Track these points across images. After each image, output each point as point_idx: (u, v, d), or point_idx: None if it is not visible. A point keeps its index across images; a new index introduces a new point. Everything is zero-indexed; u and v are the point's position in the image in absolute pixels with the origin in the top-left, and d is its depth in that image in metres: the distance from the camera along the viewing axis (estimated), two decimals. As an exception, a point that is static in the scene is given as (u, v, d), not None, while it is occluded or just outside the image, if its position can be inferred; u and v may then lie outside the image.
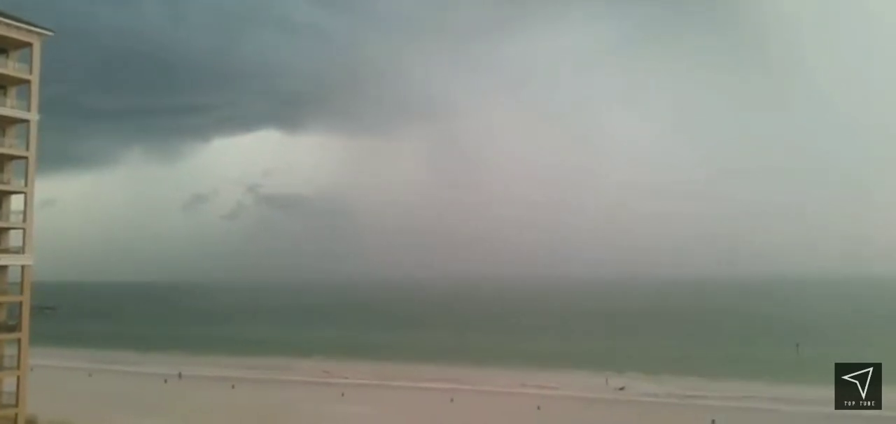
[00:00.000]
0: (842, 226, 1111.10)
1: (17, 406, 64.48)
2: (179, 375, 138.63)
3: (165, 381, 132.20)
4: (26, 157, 64.50)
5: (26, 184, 64.58)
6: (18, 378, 64.64)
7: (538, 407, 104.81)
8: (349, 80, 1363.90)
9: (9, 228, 65.66)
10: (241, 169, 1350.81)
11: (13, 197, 65.59)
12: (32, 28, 63.94)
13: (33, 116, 64.40)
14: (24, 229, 64.59)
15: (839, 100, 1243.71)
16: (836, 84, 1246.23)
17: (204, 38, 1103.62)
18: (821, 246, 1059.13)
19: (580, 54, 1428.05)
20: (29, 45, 64.18)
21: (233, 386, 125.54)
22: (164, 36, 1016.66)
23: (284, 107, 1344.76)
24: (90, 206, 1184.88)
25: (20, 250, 64.88)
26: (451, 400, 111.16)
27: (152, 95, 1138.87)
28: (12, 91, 64.89)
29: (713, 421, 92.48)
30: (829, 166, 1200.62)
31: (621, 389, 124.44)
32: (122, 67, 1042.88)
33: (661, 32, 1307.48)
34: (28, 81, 64.33)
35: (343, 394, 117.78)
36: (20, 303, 65.03)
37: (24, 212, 64.57)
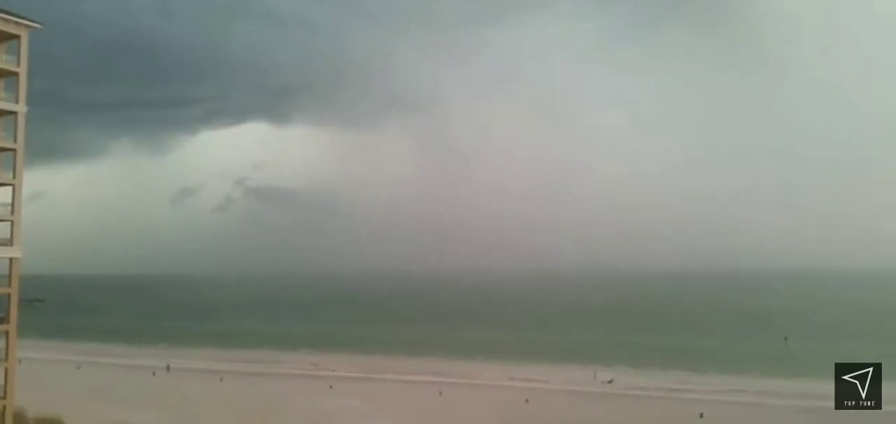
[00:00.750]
0: (833, 220, 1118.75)
1: (4, 398, 64.26)
2: (167, 368, 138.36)
3: (154, 374, 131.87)
4: (14, 149, 64.16)
5: (14, 177, 64.24)
6: (6, 370, 64.34)
7: (526, 401, 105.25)
8: (338, 73, 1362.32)
9: (-3, 220, 65.41)
10: (230, 162, 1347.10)
11: (1, 189, 65.27)
12: (20, 20, 63.54)
13: (21, 108, 64.05)
14: (12, 221, 64.31)
15: (833, 92, 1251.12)
16: (830, 75, 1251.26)
17: (192, 30, 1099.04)
18: (811, 240, 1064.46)
19: (569, 46, 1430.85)
20: (17, 37, 63.80)
21: (221, 379, 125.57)
22: (152, 28, 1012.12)
23: (273, 99, 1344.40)
24: (79, 199, 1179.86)
25: (8, 242, 64.58)
26: (440, 394, 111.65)
27: (141, 88, 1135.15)
28: (0, 83, 64.52)
29: (701, 415, 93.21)
30: (821, 160, 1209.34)
31: (609, 382, 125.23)
32: (111, 60, 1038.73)
33: (651, 24, 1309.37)
34: (16, 73, 63.94)
35: (331, 387, 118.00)
36: (8, 296, 64.76)
37: (12, 204, 64.29)
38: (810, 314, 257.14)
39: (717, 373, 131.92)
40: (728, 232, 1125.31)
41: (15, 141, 64.13)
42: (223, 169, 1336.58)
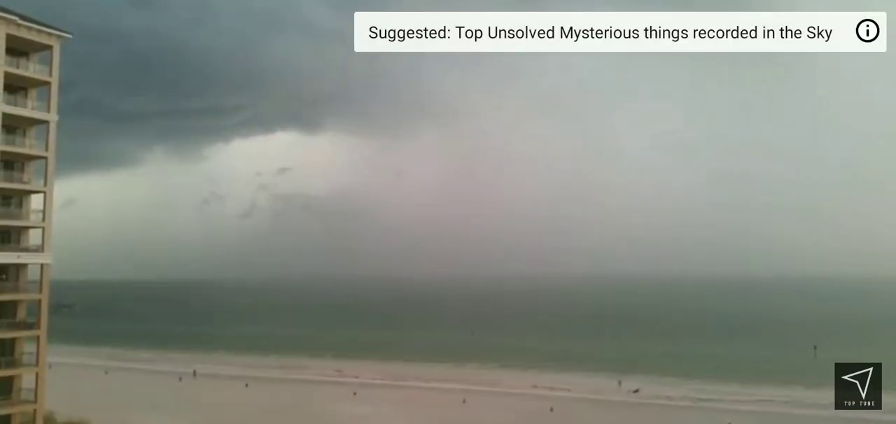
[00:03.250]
0: (860, 227, 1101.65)
1: (35, 402, 65.33)
2: (194, 373, 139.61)
3: (180, 379, 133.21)
4: (46, 158, 65.27)
5: (46, 184, 65.37)
6: (37, 375, 65.48)
7: (551, 409, 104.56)
8: (365, 82, 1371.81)
9: (28, 227, 66.52)
10: (259, 168, 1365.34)
11: (33, 196, 66.44)
12: (52, 31, 64.71)
13: (52, 117, 65.19)
14: (43, 228, 65.40)
15: (855, 100, 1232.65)
16: (849, 83, 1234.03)
17: (226, 42, 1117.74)
18: (837, 247, 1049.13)
19: (595, 57, 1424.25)
20: (49, 47, 65.01)
21: (246, 385, 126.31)
22: (188, 39, 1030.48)
23: (302, 108, 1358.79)
24: (111, 206, 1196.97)
25: (39, 249, 65.70)
26: (463, 401, 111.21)
27: (178, 97, 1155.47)
28: (33, 93, 65.70)
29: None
30: (847, 166, 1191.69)
31: (635, 391, 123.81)
32: (147, 70, 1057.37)
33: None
34: (48, 83, 65.14)
35: (355, 394, 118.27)
36: (39, 301, 65.90)
37: (43, 211, 65.39)
38: (840, 323, 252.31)
39: (745, 383, 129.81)
40: (753, 240, 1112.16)
41: (46, 149, 65.25)
42: (252, 175, 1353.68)
